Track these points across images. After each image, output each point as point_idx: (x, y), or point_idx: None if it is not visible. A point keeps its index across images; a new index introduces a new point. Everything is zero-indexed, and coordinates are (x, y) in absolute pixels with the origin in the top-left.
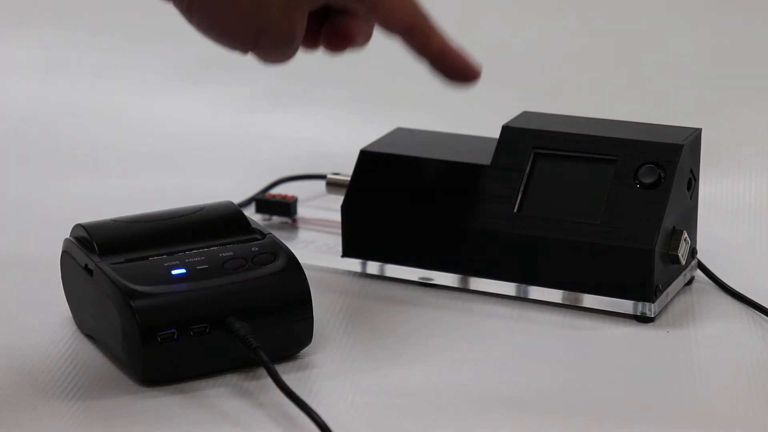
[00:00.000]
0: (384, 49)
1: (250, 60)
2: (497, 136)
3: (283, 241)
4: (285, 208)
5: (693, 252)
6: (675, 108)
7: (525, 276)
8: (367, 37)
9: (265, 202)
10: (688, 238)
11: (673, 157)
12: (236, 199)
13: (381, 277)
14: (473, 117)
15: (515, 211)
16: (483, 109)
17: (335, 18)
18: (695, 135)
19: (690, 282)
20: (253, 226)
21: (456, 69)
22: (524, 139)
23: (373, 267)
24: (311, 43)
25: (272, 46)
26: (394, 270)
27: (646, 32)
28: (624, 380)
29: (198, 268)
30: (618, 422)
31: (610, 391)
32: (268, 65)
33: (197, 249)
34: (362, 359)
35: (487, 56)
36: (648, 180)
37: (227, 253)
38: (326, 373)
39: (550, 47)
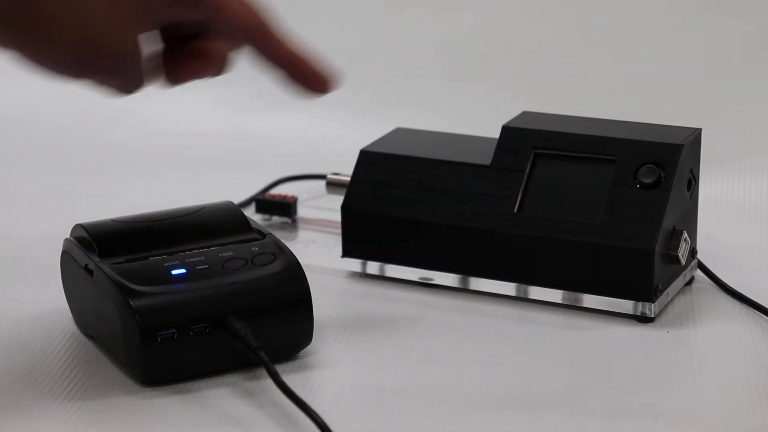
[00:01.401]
0: (384, 49)
1: (249, 60)
2: (497, 136)
3: (283, 241)
4: (285, 208)
5: (693, 252)
6: (675, 108)
7: (525, 276)
8: (222, 60)
9: (265, 202)
10: (688, 238)
11: (673, 157)
12: (236, 199)
13: (381, 277)
14: (473, 117)
15: (515, 211)
16: (483, 109)
17: (188, 43)
18: (695, 135)
19: (690, 282)
20: (253, 226)
21: (310, 74)
22: (524, 139)
23: (373, 267)
24: (173, 74)
25: (104, 71)
26: (394, 270)
27: (646, 32)
28: (624, 380)
29: (198, 268)
30: (618, 422)
31: (610, 391)
32: (114, 96)
33: (197, 249)
34: (362, 359)
35: (487, 56)
36: (648, 180)
37: (227, 253)
38: (326, 373)
39: (550, 47)
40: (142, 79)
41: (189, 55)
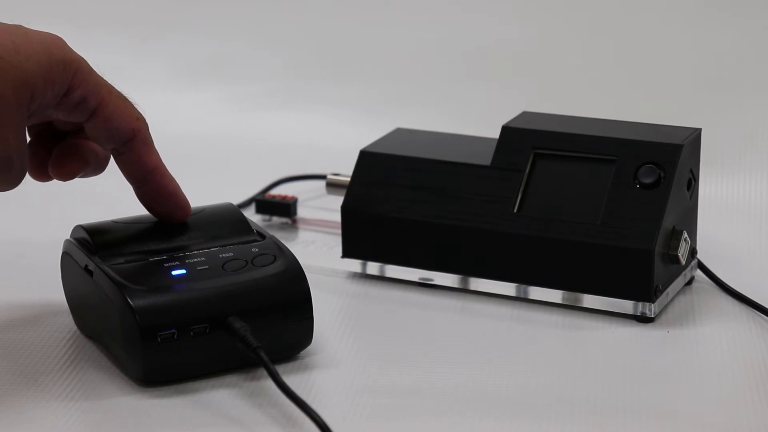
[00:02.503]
0: (384, 49)
1: (249, 60)
2: (497, 136)
3: (283, 241)
4: (285, 208)
5: (693, 252)
6: (675, 108)
7: (525, 276)
8: (99, 159)
9: (265, 203)
10: (688, 238)
11: (673, 157)
12: (236, 200)
13: (381, 278)
14: (473, 117)
15: (515, 211)
16: (483, 109)
17: (65, 141)
18: (695, 135)
19: (690, 282)
20: (253, 227)
21: (166, 194)
22: (524, 140)
23: (373, 267)
24: (43, 172)
25: None
26: (394, 270)
27: (646, 32)
28: (624, 380)
29: (198, 268)
30: (618, 422)
31: (610, 391)
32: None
33: (197, 250)
34: (362, 359)
35: (487, 56)
36: (648, 180)
37: (227, 254)
38: (326, 373)
39: (550, 47)
40: (24, 173)
41: (64, 153)
